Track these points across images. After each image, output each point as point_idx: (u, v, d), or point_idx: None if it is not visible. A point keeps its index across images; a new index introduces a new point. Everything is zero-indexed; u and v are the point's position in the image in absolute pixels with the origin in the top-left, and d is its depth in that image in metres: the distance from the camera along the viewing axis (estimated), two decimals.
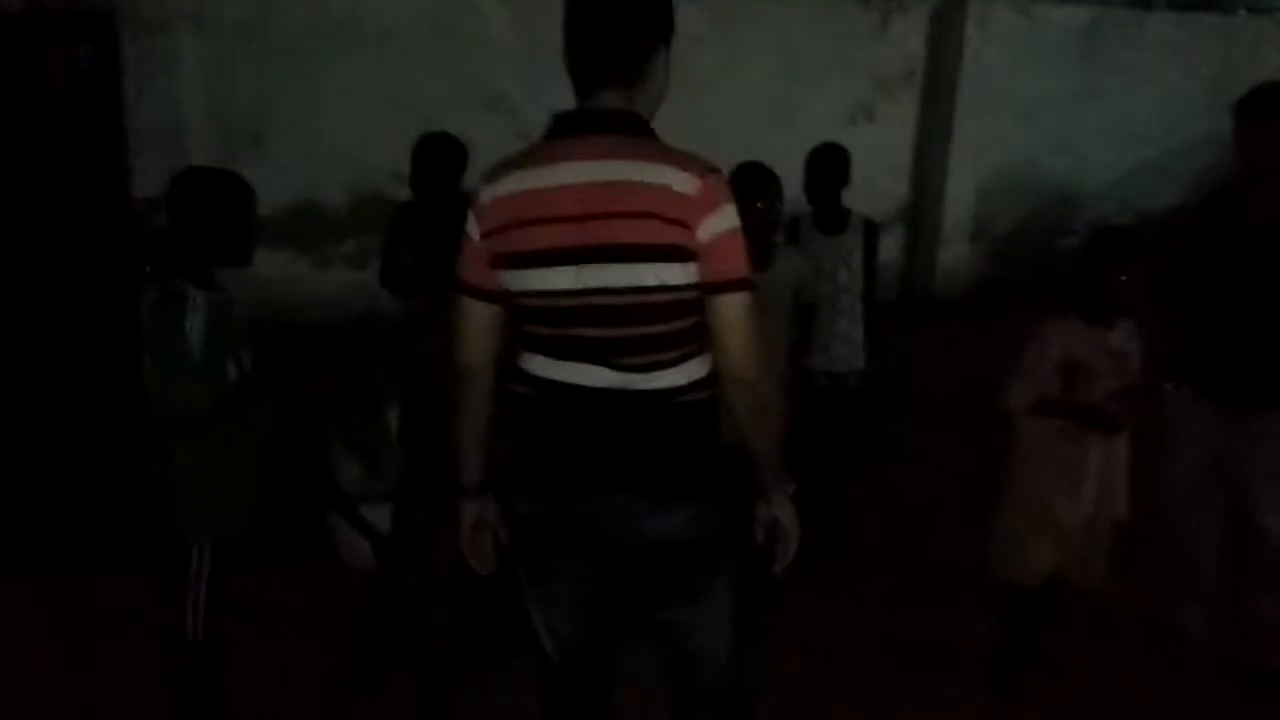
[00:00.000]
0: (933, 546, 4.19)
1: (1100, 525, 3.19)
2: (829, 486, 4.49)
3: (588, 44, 1.99)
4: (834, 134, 4.74)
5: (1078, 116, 8.15)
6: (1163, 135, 8.47)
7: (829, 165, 4.28)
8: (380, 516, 3.09)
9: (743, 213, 2.33)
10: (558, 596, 2.20)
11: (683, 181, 1.89)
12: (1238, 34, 9.04)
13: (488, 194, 2.03)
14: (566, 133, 2.00)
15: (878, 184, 7.77)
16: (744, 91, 7.10)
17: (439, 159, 3.94)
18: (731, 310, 1.95)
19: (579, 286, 1.96)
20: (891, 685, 3.39)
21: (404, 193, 4.10)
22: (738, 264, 1.95)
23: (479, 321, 2.11)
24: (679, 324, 1.98)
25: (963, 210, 8.07)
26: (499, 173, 2.04)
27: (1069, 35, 8.13)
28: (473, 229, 2.05)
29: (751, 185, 3.44)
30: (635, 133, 1.99)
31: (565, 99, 2.06)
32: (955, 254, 8.14)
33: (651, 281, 1.93)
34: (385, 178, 5.99)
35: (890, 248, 8.06)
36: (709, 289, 1.94)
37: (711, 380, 2.04)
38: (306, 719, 3.14)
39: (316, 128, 6.21)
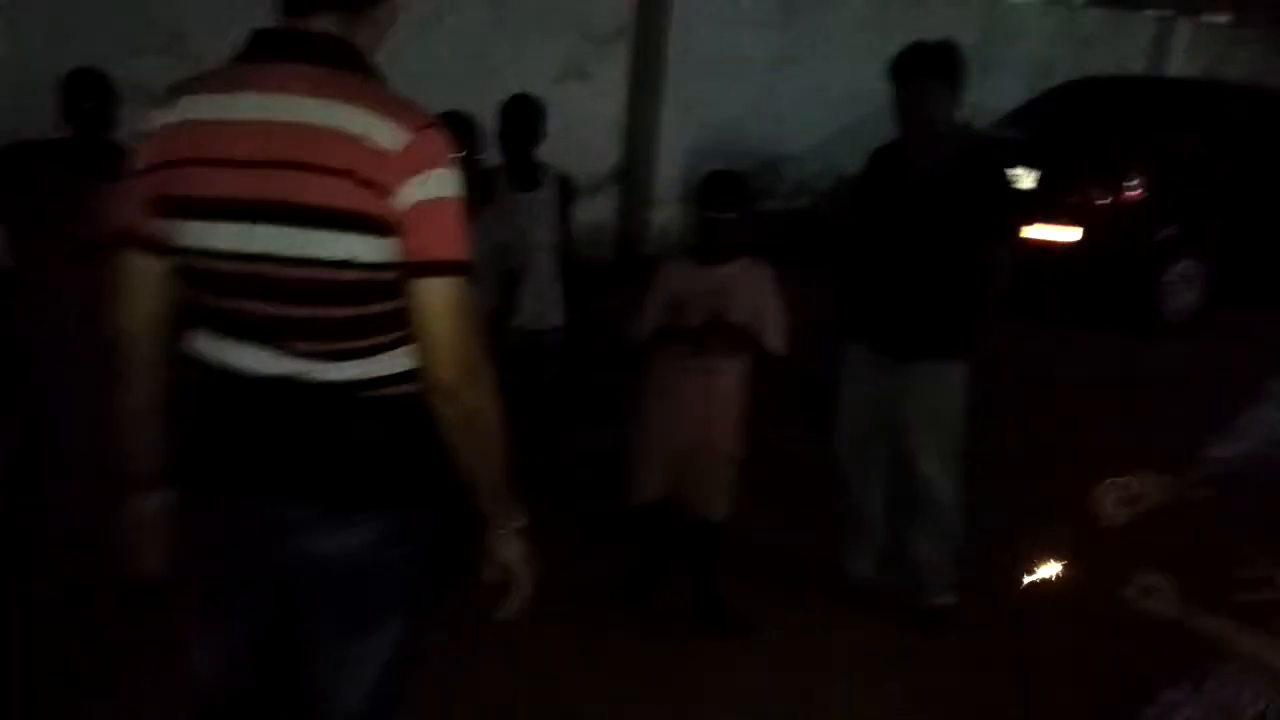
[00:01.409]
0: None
1: (707, 455, 3.36)
2: (538, 444, 4.41)
3: None
4: (543, 91, 4.62)
5: (780, 81, 8.44)
6: (859, 100, 8.90)
7: (521, 119, 4.17)
8: None
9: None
10: (224, 615, 1.87)
11: (387, 134, 1.56)
12: (926, 8, 9.63)
13: (156, 119, 1.66)
14: (260, 55, 1.65)
15: (590, 143, 7.75)
16: (449, 44, 6.86)
17: (81, 97, 3.57)
18: (435, 299, 1.60)
19: (248, 250, 1.61)
20: (594, 624, 3.44)
21: None
22: (447, 242, 1.61)
23: (138, 276, 1.72)
24: (374, 308, 1.64)
25: (673, 170, 8.18)
26: (173, 94, 1.67)
27: (770, 0, 8.38)
28: (136, 162, 1.68)
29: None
30: (345, 66, 1.64)
31: None
32: (667, 214, 8.24)
33: (338, 254, 1.59)
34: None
35: (605, 208, 8.11)
36: (409, 269, 1.60)
37: (416, 375, 1.70)
38: None
39: None
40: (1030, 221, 6.75)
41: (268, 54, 1.65)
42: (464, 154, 3.26)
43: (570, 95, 7.53)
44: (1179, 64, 11.60)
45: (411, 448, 1.72)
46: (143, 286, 1.73)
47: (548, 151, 4.22)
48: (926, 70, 3.22)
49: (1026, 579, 2.03)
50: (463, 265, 1.63)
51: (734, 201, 3.26)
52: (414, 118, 1.60)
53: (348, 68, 1.64)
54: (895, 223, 3.35)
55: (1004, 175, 3.47)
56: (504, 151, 4.15)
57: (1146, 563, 1.85)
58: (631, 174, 8.23)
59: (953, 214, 3.25)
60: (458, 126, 3.39)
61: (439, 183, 1.60)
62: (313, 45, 1.63)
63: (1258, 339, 6.11)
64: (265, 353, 1.68)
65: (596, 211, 7.96)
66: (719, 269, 3.27)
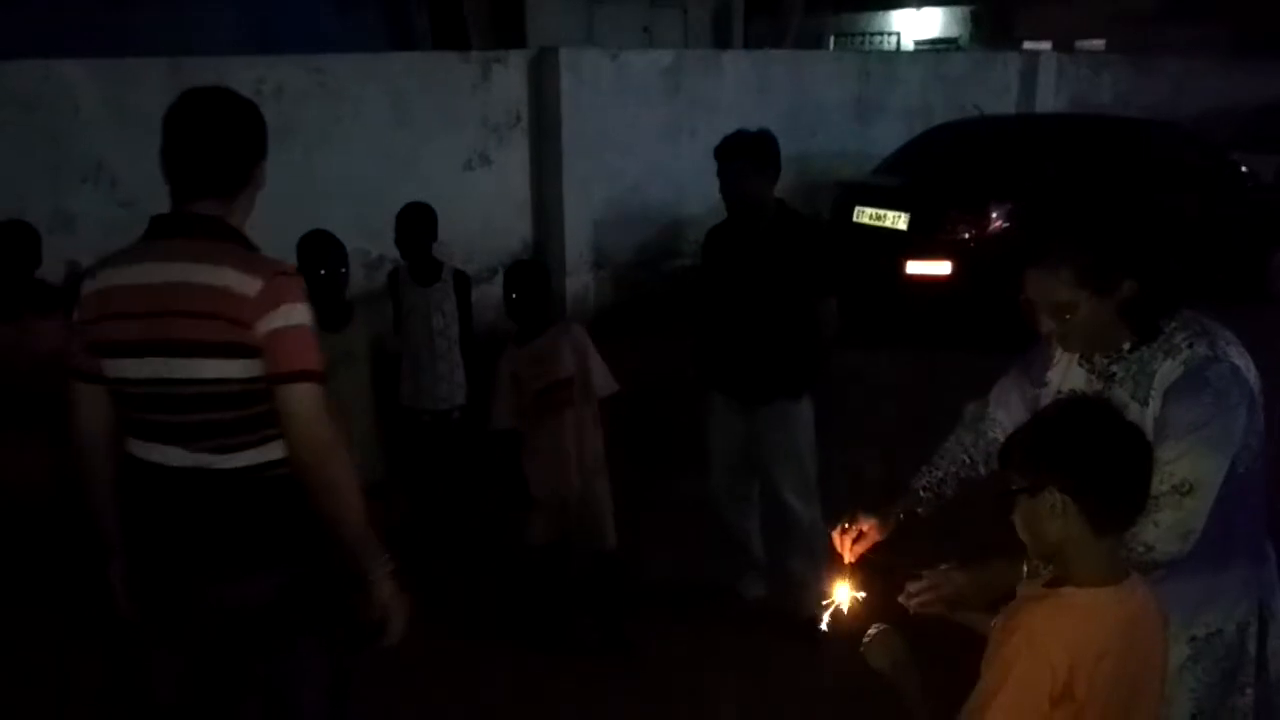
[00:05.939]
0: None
1: (579, 494, 3.80)
2: (445, 513, 4.79)
3: (184, 160, 2.26)
4: (453, 180, 4.99)
5: (672, 148, 8.99)
6: None
7: (415, 224, 4.62)
8: None
9: (308, 279, 2.62)
10: (163, 663, 2.47)
11: (244, 284, 2.15)
12: (803, 68, 10.31)
13: (86, 287, 2.29)
14: (156, 235, 2.27)
15: (502, 223, 8.24)
16: (357, 144, 7.29)
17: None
18: (292, 400, 2.18)
19: (145, 376, 2.22)
20: (504, 658, 3.89)
21: None
22: (298, 358, 2.18)
23: (82, 399, 2.33)
24: (251, 410, 2.20)
25: (582, 242, 8.65)
26: (98, 268, 2.30)
27: (655, 76, 9.01)
28: (76, 315, 2.30)
29: (314, 253, 3.88)
30: (216, 237, 2.23)
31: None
32: (581, 283, 8.72)
33: (211, 374, 2.18)
34: None
35: None
36: (271, 380, 2.18)
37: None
38: None
39: None
40: (905, 260, 7.36)
41: (161, 233, 2.27)
42: (325, 266, 3.82)
43: (478, 181, 8.03)
44: (1048, 95, 12.35)
45: (297, 516, 2.24)
46: (85, 406, 2.34)
47: (464, 232, 4.62)
48: (741, 155, 3.76)
49: (825, 610, 2.43)
50: (312, 374, 2.20)
51: (531, 286, 3.75)
52: (267, 270, 2.19)
53: (217, 237, 2.25)
54: (732, 290, 3.88)
55: (819, 240, 4.00)
56: (403, 253, 4.63)
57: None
58: (543, 248, 8.70)
59: (779, 277, 3.78)
60: (319, 243, 3.90)
61: (287, 315, 2.18)
62: (195, 224, 2.26)
63: None
64: (172, 449, 2.25)
65: None
66: (534, 343, 3.76)
